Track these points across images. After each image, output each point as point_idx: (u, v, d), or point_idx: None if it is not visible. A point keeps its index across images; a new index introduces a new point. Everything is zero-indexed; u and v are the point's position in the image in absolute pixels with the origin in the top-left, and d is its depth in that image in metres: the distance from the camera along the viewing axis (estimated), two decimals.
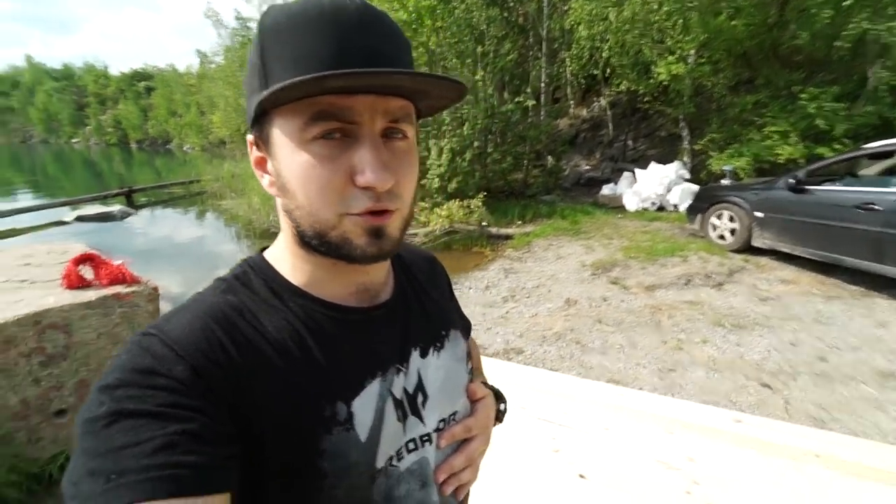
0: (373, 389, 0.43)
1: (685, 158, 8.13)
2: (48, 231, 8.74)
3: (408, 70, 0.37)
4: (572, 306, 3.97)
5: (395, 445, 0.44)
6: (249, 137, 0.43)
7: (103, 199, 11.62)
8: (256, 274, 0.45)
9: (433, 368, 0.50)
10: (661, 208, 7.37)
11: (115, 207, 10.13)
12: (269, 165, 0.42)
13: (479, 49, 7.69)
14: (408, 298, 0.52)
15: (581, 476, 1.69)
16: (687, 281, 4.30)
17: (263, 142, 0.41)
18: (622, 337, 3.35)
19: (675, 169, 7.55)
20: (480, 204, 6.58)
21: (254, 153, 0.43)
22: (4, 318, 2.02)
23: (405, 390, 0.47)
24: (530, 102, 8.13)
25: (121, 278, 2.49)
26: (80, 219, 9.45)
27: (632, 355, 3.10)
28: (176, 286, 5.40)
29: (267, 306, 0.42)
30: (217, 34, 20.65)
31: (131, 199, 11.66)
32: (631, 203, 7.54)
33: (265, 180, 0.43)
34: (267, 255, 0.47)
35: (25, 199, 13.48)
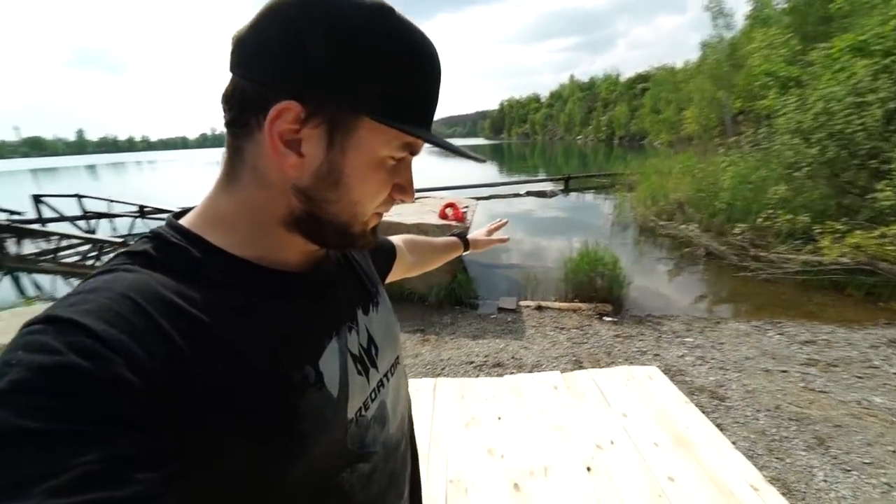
0: (333, 348, 0.45)
1: None
2: (506, 199, 12.82)
3: (474, 155, 0.49)
4: None
5: (363, 397, 0.47)
6: (291, 103, 0.35)
7: (550, 181, 15.39)
8: (184, 245, 0.38)
9: (376, 323, 0.54)
10: None
11: (549, 188, 13.22)
12: (313, 148, 0.37)
13: None
14: (340, 262, 0.54)
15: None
16: None
17: (331, 129, 0.37)
18: None
19: None
20: None
21: (287, 124, 0.36)
22: (419, 220, 4.36)
23: (361, 346, 0.49)
24: None
25: (460, 217, 4.26)
26: (528, 193, 13.17)
27: None
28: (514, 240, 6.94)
29: (204, 279, 0.37)
30: (714, 26, 20.15)
31: (568, 184, 14.66)
32: None
33: (290, 158, 0.37)
34: (186, 224, 0.40)
35: (521, 176, 19.89)
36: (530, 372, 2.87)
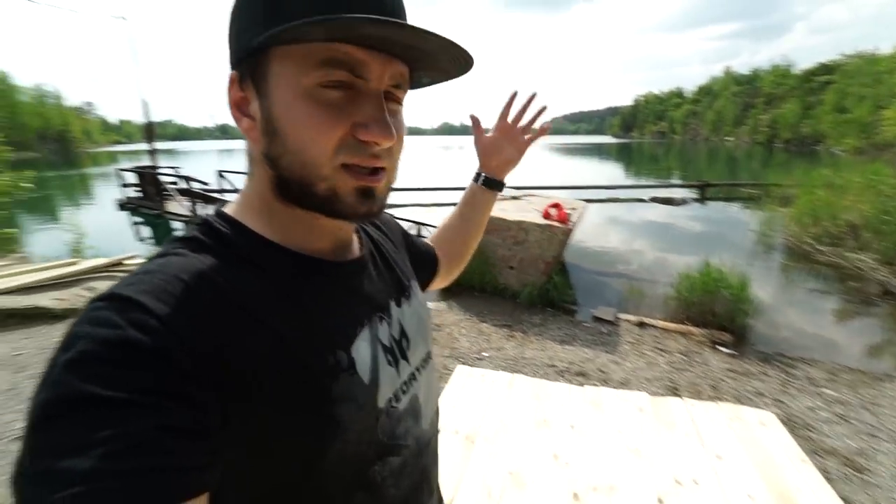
0: (364, 336, 0.45)
1: None
2: (626, 204, 11.84)
3: (444, 36, 0.34)
4: None
5: (393, 388, 0.47)
6: (232, 73, 0.39)
7: (683, 188, 13.74)
8: (228, 231, 0.40)
9: (408, 315, 0.53)
10: None
11: (679, 195, 11.83)
12: (254, 106, 0.38)
13: None
14: (374, 253, 0.54)
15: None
16: None
17: (254, 80, 0.37)
18: None
19: None
20: None
21: (234, 92, 0.39)
22: (520, 218, 4.49)
23: (392, 337, 0.49)
24: None
25: (564, 218, 4.23)
26: (653, 199, 11.99)
27: None
28: (620, 253, 6.40)
29: (247, 263, 0.39)
30: None
31: (704, 192, 12.93)
32: None
33: (244, 123, 0.39)
34: (230, 212, 0.43)
35: (648, 180, 18.13)
36: (615, 388, 2.70)
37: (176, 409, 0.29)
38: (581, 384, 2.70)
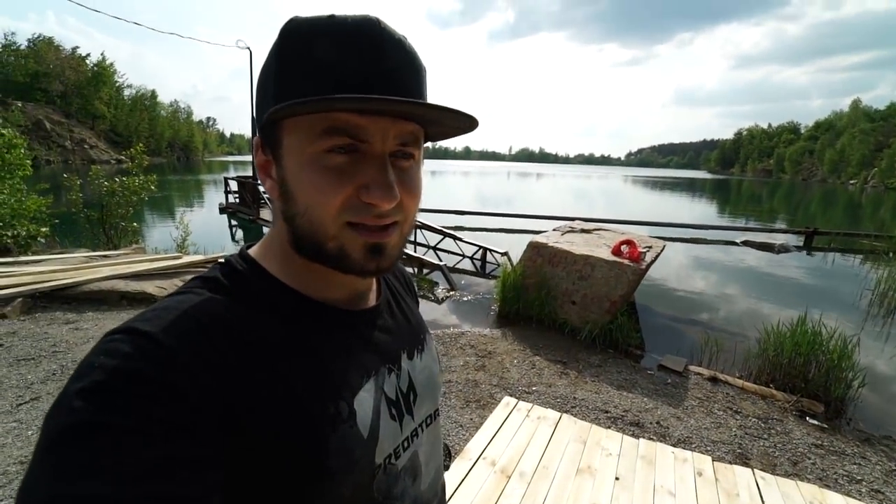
0: (369, 388, 0.45)
1: None
2: (714, 246, 10.85)
3: (422, 101, 0.37)
4: None
5: (394, 444, 0.46)
6: (256, 139, 0.42)
7: (786, 233, 12.27)
8: (248, 274, 0.43)
9: (419, 369, 0.53)
10: None
11: (778, 241, 10.57)
12: (274, 170, 0.41)
13: None
14: (391, 303, 0.55)
15: None
16: None
17: (271, 146, 0.41)
18: None
19: None
20: None
21: (259, 156, 0.43)
22: (587, 252, 4.45)
23: (399, 390, 0.49)
24: None
25: (636, 257, 4.20)
26: (745, 243, 10.87)
27: None
28: (685, 311, 5.83)
29: (262, 306, 0.41)
30: None
31: (811, 240, 11.44)
32: None
33: (267, 183, 0.43)
34: (254, 254, 0.46)
35: (745, 222, 16.48)
36: (674, 445, 2.49)
37: (182, 440, 0.30)
38: (635, 435, 2.53)
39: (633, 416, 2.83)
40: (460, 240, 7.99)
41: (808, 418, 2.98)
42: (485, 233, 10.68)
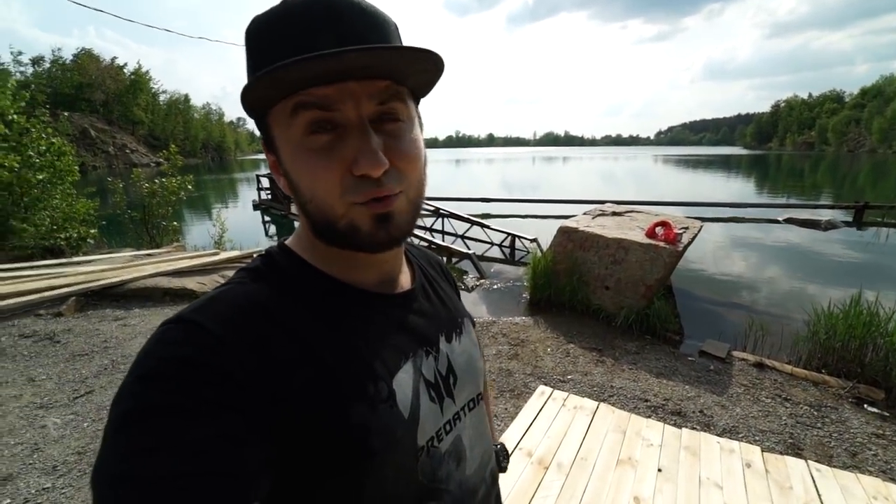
0: (408, 369, 0.45)
1: None
2: (754, 224, 10.30)
3: (364, 46, 0.33)
4: None
5: (435, 426, 0.47)
6: (261, 139, 0.43)
7: (833, 209, 11.50)
8: (286, 263, 0.45)
9: (458, 352, 0.53)
10: None
11: (825, 218, 9.92)
12: (281, 167, 0.42)
13: None
14: (427, 289, 0.56)
15: None
16: None
17: (268, 144, 0.41)
18: None
19: None
20: None
21: (268, 157, 0.43)
22: (620, 236, 4.28)
23: (438, 372, 0.49)
24: None
25: (672, 239, 3.97)
26: (788, 220, 10.26)
27: None
28: (725, 294, 5.55)
29: (301, 293, 0.43)
30: None
31: (862, 214, 10.68)
32: None
33: (281, 181, 0.43)
34: (290, 245, 0.47)
35: (787, 198, 15.58)
36: (719, 435, 2.39)
37: (232, 419, 0.32)
38: (677, 424, 2.45)
39: (675, 405, 2.74)
40: (488, 227, 7.92)
41: (866, 406, 2.79)
42: (513, 219, 10.55)
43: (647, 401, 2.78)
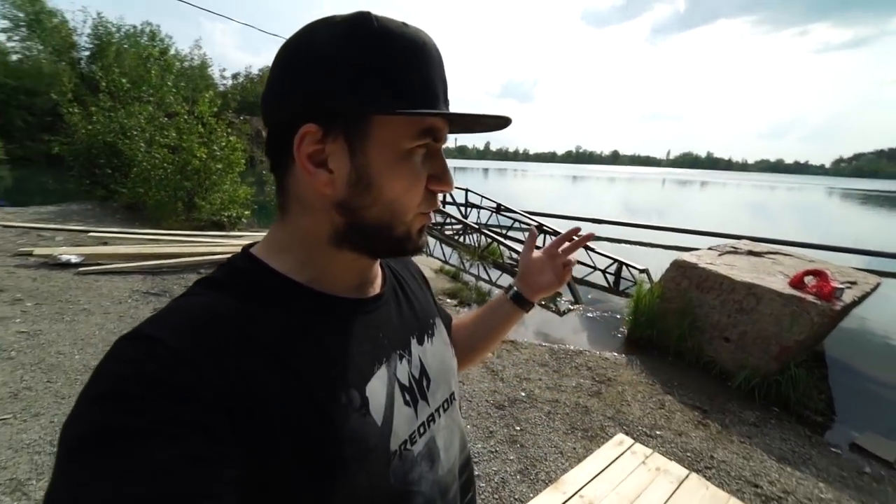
0: (381, 375, 0.45)
1: None
2: None
3: (493, 115, 0.42)
4: None
5: (409, 430, 0.47)
6: (310, 127, 0.39)
7: None
8: (249, 271, 0.43)
9: (430, 354, 0.54)
10: None
11: None
12: (337, 161, 0.40)
13: None
14: (397, 291, 0.56)
15: None
16: None
17: (347, 138, 0.40)
18: None
19: None
20: None
21: (310, 145, 0.40)
22: (753, 280, 3.68)
23: (412, 375, 0.50)
24: None
25: (826, 294, 3.34)
26: None
27: None
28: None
29: (266, 301, 0.41)
30: None
31: None
32: None
33: (319, 176, 0.40)
34: (256, 253, 0.46)
35: None
36: None
37: (196, 440, 0.31)
38: None
39: (797, 503, 2.17)
40: (593, 250, 7.38)
41: None
42: (624, 244, 9.68)
43: (757, 486, 2.26)
